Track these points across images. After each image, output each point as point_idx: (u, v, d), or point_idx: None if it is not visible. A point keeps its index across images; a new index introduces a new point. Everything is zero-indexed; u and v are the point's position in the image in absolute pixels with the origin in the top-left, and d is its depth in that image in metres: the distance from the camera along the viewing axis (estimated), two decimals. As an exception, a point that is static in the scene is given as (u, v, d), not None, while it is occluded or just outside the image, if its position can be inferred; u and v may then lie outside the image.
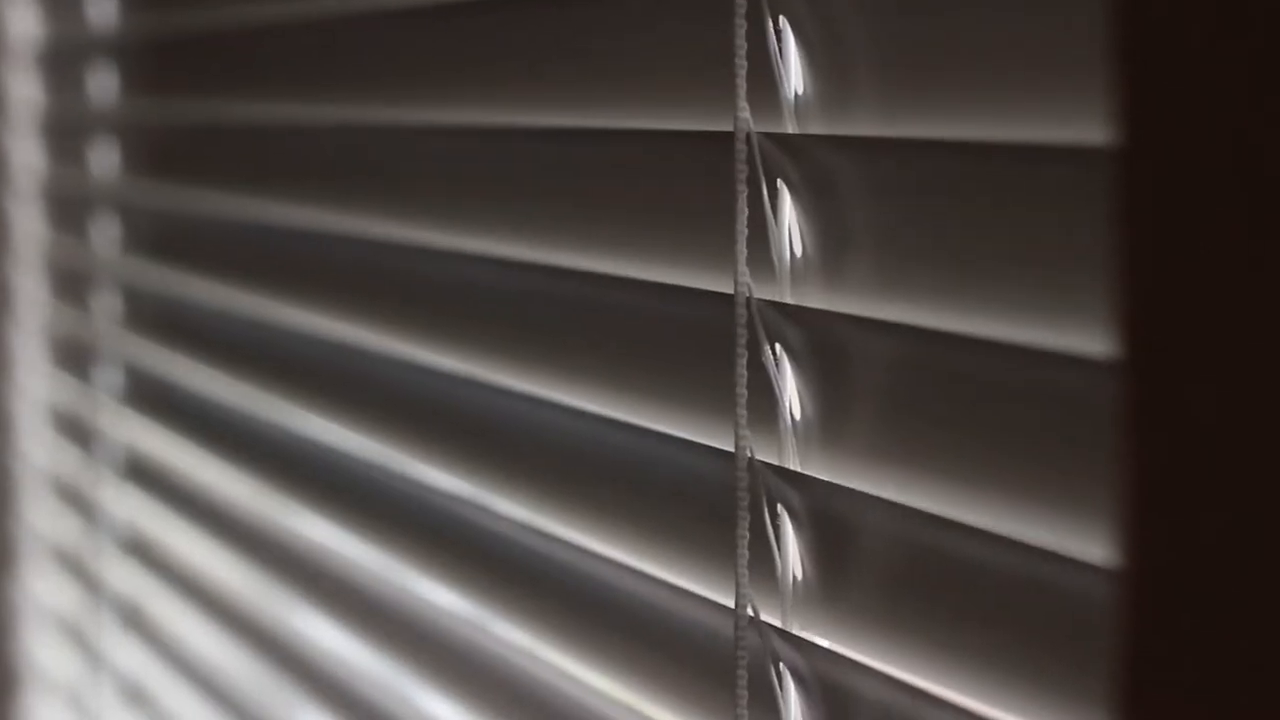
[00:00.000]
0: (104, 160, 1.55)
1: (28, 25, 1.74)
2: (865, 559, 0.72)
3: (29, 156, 1.75)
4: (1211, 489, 0.50)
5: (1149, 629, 0.52)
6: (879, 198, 0.70)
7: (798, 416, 0.74)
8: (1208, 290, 0.50)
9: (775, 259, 0.74)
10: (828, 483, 0.74)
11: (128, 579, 1.51)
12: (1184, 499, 0.51)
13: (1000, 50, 0.64)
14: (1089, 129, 0.59)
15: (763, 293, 0.75)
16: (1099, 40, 0.54)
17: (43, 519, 1.68)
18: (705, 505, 0.80)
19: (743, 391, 0.75)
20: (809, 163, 0.73)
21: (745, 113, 0.74)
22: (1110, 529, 0.54)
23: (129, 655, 1.50)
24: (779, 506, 0.75)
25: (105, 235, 1.55)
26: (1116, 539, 0.53)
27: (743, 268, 0.75)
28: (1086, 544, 0.60)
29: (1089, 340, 0.59)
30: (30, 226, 1.75)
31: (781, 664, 0.75)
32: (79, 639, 1.60)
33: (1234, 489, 0.50)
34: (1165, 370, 0.51)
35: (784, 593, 0.75)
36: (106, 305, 1.56)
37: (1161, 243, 0.51)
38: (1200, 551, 0.51)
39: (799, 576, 0.75)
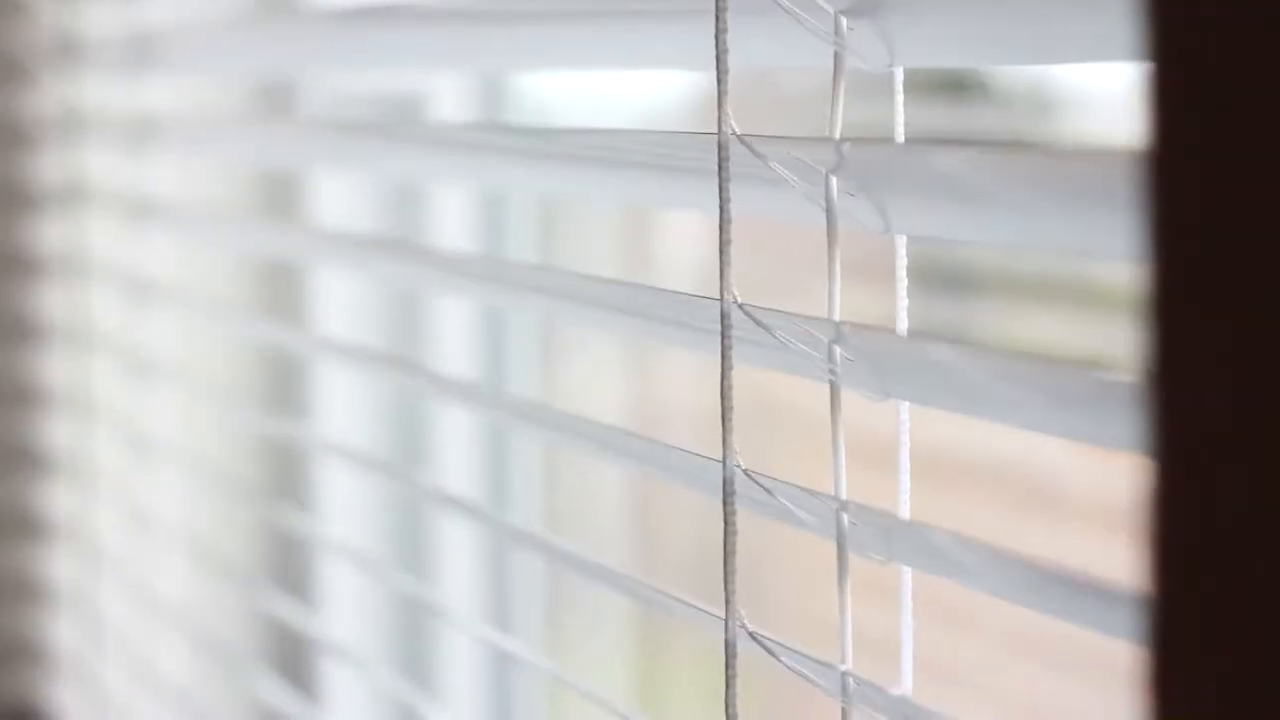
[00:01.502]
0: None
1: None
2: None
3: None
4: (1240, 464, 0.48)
5: (1177, 604, 0.50)
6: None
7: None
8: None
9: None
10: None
11: (139, 554, 1.51)
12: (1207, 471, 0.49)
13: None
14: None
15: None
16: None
17: (63, 495, 1.68)
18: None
19: (730, 406, 0.74)
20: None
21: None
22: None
23: (137, 626, 1.51)
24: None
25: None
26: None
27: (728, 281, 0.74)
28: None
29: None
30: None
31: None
32: (93, 613, 1.60)
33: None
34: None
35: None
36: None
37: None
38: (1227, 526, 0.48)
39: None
